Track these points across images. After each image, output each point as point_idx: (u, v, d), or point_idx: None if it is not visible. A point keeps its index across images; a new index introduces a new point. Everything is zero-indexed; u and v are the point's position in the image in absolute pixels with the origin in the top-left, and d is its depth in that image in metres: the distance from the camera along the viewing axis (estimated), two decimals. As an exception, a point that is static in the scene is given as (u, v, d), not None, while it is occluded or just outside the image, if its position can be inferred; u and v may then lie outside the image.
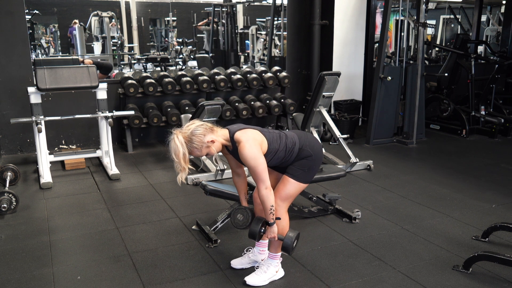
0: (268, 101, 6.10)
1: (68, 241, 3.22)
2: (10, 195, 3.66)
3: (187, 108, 5.67)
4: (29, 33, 7.62)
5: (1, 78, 5.14)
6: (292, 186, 2.56)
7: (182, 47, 10.66)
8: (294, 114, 5.69)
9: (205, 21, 10.81)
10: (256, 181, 2.44)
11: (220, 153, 4.45)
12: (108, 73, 7.45)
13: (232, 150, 2.52)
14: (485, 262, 2.76)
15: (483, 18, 9.04)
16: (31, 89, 4.37)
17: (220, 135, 2.48)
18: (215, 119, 4.70)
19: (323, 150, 5.04)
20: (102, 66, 7.36)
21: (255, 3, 11.92)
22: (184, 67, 9.70)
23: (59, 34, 11.50)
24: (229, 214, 3.31)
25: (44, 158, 4.49)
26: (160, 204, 3.90)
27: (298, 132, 2.67)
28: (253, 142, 2.41)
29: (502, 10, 9.12)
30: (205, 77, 5.79)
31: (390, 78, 5.60)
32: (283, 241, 2.53)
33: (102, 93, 4.67)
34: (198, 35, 11.46)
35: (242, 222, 2.63)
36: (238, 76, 5.99)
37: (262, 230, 2.54)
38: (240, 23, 11.45)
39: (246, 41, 10.86)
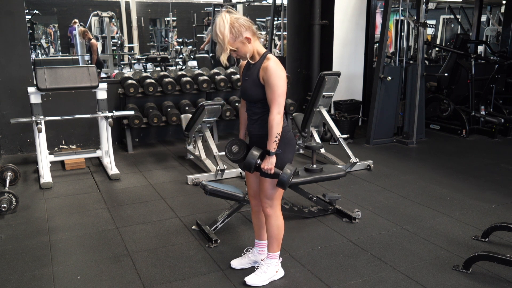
0: (268, 101, 6.09)
1: (68, 241, 3.22)
2: (10, 195, 3.66)
3: (187, 108, 5.67)
4: (29, 33, 7.62)
5: (1, 78, 5.14)
6: (271, 185, 2.49)
7: (182, 47, 10.66)
8: (294, 114, 5.69)
9: (206, 41, 10.79)
10: (271, 103, 2.35)
11: (221, 153, 4.49)
12: (100, 71, 7.58)
13: (254, 64, 2.42)
14: (485, 262, 2.76)
15: (483, 18, 9.04)
16: (31, 89, 4.37)
17: (257, 44, 2.42)
18: (215, 119, 4.71)
19: (323, 150, 5.07)
20: (99, 61, 7.50)
21: (255, 3, 11.91)
22: (184, 67, 9.70)
23: (59, 34, 11.50)
24: (229, 214, 3.31)
25: (44, 158, 4.49)
26: (160, 204, 3.90)
27: (288, 127, 2.57)
28: (282, 68, 2.38)
29: (502, 10, 9.12)
30: (205, 77, 5.79)
31: (390, 78, 5.60)
32: (280, 176, 2.41)
33: (102, 93, 4.67)
34: (198, 35, 11.46)
35: (237, 154, 2.54)
36: (238, 76, 5.99)
37: (259, 161, 2.43)
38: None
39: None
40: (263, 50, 2.44)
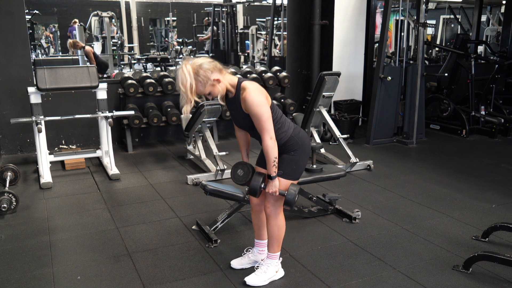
0: (268, 101, 6.10)
1: (68, 241, 3.22)
2: (10, 195, 3.66)
3: (187, 108, 5.66)
4: (29, 33, 7.61)
5: (1, 78, 5.14)
6: (282, 185, 2.53)
7: (182, 47, 10.65)
8: (294, 114, 5.69)
9: (206, 37, 10.79)
10: (260, 131, 2.37)
11: (221, 153, 4.49)
12: (104, 72, 7.43)
13: (233, 97, 2.44)
14: (485, 262, 2.76)
15: (483, 18, 9.04)
16: (31, 89, 4.37)
17: (228, 79, 2.41)
18: (215, 119, 4.71)
19: (323, 150, 5.07)
20: (99, 62, 7.35)
21: (255, 3, 11.91)
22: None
23: (59, 34, 11.50)
24: (229, 214, 3.31)
25: (44, 158, 4.49)
26: (160, 204, 3.90)
27: (296, 126, 2.62)
28: (260, 91, 2.38)
29: (502, 10, 9.12)
30: (205, 77, 5.78)
31: (390, 78, 5.60)
32: (285, 196, 2.47)
33: (102, 93, 4.67)
34: (198, 35, 11.46)
35: (242, 177, 2.57)
36: (238, 76, 5.98)
37: (263, 186, 2.49)
38: (240, 23, 11.45)
39: (246, 41, 10.85)
40: (235, 80, 2.43)
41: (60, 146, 5.57)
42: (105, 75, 7.79)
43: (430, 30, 9.95)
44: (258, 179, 2.49)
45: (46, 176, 4.38)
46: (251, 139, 2.71)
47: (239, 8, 11.53)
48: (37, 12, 10.08)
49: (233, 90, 2.42)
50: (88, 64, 8.07)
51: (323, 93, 4.87)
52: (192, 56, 2.28)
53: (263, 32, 10.56)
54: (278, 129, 2.46)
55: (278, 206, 2.58)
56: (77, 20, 9.46)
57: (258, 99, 2.33)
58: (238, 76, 2.46)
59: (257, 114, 2.33)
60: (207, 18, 10.92)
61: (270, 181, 2.45)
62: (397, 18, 7.23)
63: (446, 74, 6.54)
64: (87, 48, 7.73)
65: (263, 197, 2.62)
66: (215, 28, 10.20)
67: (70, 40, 8.35)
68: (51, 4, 11.47)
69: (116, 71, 8.16)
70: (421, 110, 5.89)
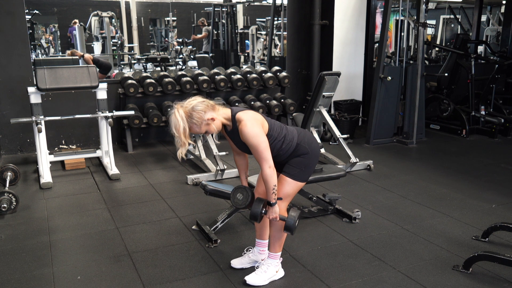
0: (268, 101, 6.10)
1: (68, 241, 3.22)
2: (10, 195, 3.66)
3: (187, 108, 5.66)
4: (29, 33, 7.61)
5: (1, 78, 5.14)
6: (289, 185, 2.56)
7: (182, 47, 10.65)
8: (294, 114, 5.70)
9: (201, 36, 10.78)
10: (259, 161, 2.40)
11: (221, 153, 4.49)
12: (108, 73, 7.42)
13: (231, 130, 2.48)
14: (485, 262, 2.76)
15: (483, 18, 9.04)
16: (31, 89, 4.37)
17: (221, 113, 2.44)
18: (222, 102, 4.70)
19: (323, 150, 5.07)
20: (101, 65, 7.32)
21: (255, 3, 11.91)
22: (184, 67, 9.69)
23: (59, 34, 11.49)
24: (229, 214, 3.31)
25: (44, 158, 4.49)
26: (160, 204, 3.90)
27: (298, 129, 2.65)
28: (255, 122, 2.39)
29: (502, 10, 9.12)
30: (205, 77, 5.80)
31: (390, 78, 5.60)
32: (286, 221, 2.48)
33: (102, 93, 4.67)
34: (197, 35, 11.44)
35: (242, 201, 2.58)
36: (238, 76, 6.00)
37: (264, 211, 2.51)
38: (240, 23, 11.45)
39: (246, 41, 10.85)
40: (229, 113, 2.46)
41: (60, 146, 5.57)
42: (106, 76, 7.79)
43: (430, 30, 9.95)
44: (258, 205, 2.51)
45: (46, 176, 4.38)
46: (250, 161, 2.73)
47: (239, 8, 11.52)
48: (37, 12, 10.08)
49: (230, 123, 2.46)
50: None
51: (323, 93, 4.87)
52: (183, 102, 2.29)
53: (263, 32, 10.56)
54: (282, 143, 2.50)
55: (283, 207, 2.59)
56: (77, 21, 9.46)
57: (253, 130, 2.36)
58: (230, 107, 2.49)
59: (253, 145, 2.37)
60: (202, 19, 10.92)
61: (270, 208, 2.48)
62: (397, 18, 7.23)
63: (446, 74, 6.54)
64: (86, 56, 7.72)
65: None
66: (215, 28, 10.20)
67: (68, 51, 8.37)
68: (51, 4, 11.46)
69: (116, 71, 8.15)
70: (421, 110, 5.89)
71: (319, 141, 5.18)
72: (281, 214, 2.58)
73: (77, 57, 7.86)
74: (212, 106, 2.41)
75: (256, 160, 2.44)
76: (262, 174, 2.42)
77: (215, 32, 10.06)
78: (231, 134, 2.52)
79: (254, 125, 2.37)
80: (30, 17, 9.44)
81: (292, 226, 2.47)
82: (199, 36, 10.73)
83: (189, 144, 2.40)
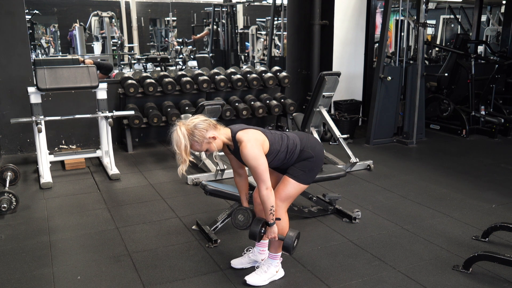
0: (268, 101, 6.10)
1: (68, 241, 3.22)
2: (10, 195, 3.66)
3: (187, 108, 5.67)
4: (29, 33, 7.61)
5: (1, 78, 5.14)
6: (292, 187, 2.57)
7: (182, 47, 10.65)
8: (294, 114, 5.69)
9: (200, 35, 10.79)
10: (257, 181, 2.44)
11: (221, 153, 4.49)
12: (109, 73, 7.42)
13: (233, 150, 2.53)
14: (485, 262, 2.76)
15: (483, 18, 9.04)
16: (31, 89, 4.37)
17: (223, 133, 2.48)
18: (215, 119, 4.70)
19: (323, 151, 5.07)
20: (102, 67, 7.33)
21: (255, 3, 11.91)
22: (184, 67, 9.69)
23: (59, 34, 11.49)
24: (229, 214, 3.31)
25: (44, 158, 4.49)
26: (160, 204, 3.90)
27: (300, 134, 2.67)
28: (255, 142, 2.42)
29: (502, 10, 9.12)
30: (205, 77, 5.79)
31: (390, 78, 5.60)
32: (284, 241, 2.52)
33: (102, 93, 4.67)
34: (198, 35, 11.44)
35: (243, 222, 2.62)
36: (238, 76, 5.99)
37: (263, 231, 2.55)
38: (240, 23, 11.45)
39: (246, 43, 10.85)
40: (229, 133, 2.49)
41: (60, 146, 5.57)
42: (107, 76, 7.79)
43: (430, 30, 9.95)
44: (257, 225, 2.53)
45: (46, 176, 4.38)
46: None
47: (239, 8, 11.51)
48: (37, 12, 10.08)
49: (231, 143, 2.49)
50: (87, 57, 8.08)
51: (323, 93, 4.87)
52: (187, 117, 2.33)
53: (263, 32, 10.56)
54: (286, 153, 2.54)
55: (284, 208, 2.60)
56: (76, 25, 9.46)
57: (252, 152, 2.39)
58: (230, 127, 2.51)
59: (252, 166, 2.40)
60: (205, 19, 10.93)
61: (268, 228, 2.51)
62: (397, 18, 7.23)
63: (446, 74, 6.54)
64: (87, 61, 7.76)
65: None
66: (215, 27, 10.19)
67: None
68: (51, 4, 11.45)
69: (116, 71, 8.15)
70: (421, 110, 5.89)
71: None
72: (282, 213, 2.59)
73: (77, 56, 7.86)
74: (214, 125, 2.44)
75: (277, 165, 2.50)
76: (259, 194, 2.46)
77: (220, 30, 10.04)
78: (235, 154, 2.55)
79: (254, 147, 2.40)
80: (30, 17, 9.44)
81: (290, 246, 2.51)
82: (199, 35, 10.73)
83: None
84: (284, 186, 2.57)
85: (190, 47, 10.75)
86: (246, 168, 2.63)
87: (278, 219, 2.55)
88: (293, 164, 2.59)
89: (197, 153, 4.84)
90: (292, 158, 2.56)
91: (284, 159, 2.56)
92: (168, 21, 11.68)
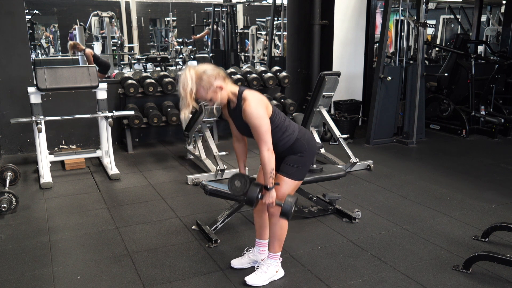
0: (268, 101, 6.10)
1: (68, 241, 3.22)
2: (10, 195, 3.66)
3: (187, 108, 5.65)
4: (29, 33, 7.61)
5: (1, 78, 5.14)
6: (287, 185, 2.55)
7: (182, 47, 10.65)
8: (294, 114, 5.69)
9: (200, 35, 10.80)
10: (258, 142, 2.39)
11: (221, 153, 4.49)
12: (107, 72, 7.42)
13: (235, 107, 2.46)
14: (485, 262, 2.76)
15: (483, 18, 9.04)
16: (31, 89, 4.37)
17: (230, 87, 2.43)
18: (215, 119, 4.71)
19: (323, 150, 5.07)
20: (101, 63, 7.34)
21: (255, 3, 11.90)
22: (184, 67, 9.68)
23: (59, 34, 11.49)
24: (229, 214, 3.31)
25: (44, 158, 4.49)
26: (160, 204, 3.90)
27: (300, 126, 2.63)
28: (260, 102, 2.39)
29: (502, 10, 9.12)
30: (205, 77, 5.78)
31: (390, 78, 5.60)
32: (282, 207, 2.46)
33: (102, 93, 4.67)
34: (198, 35, 11.44)
35: (240, 188, 2.55)
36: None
37: (260, 196, 2.49)
38: (240, 23, 11.45)
39: (246, 40, 10.85)
40: (236, 89, 2.44)
41: (60, 146, 5.57)
42: (106, 75, 7.80)
43: (430, 30, 9.94)
44: (255, 189, 2.49)
45: (46, 176, 4.38)
46: (249, 140, 2.71)
47: (239, 8, 11.51)
48: (37, 12, 10.07)
49: (235, 99, 2.44)
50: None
51: (323, 93, 4.87)
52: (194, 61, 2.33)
53: (263, 32, 10.56)
54: (283, 133, 2.49)
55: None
56: (76, 27, 9.46)
57: (257, 111, 2.35)
58: (240, 85, 2.46)
59: (255, 126, 2.36)
60: (205, 19, 10.93)
61: (267, 192, 2.47)
62: (397, 18, 7.23)
63: (446, 74, 6.54)
64: (87, 50, 7.71)
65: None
66: (215, 27, 10.19)
67: (71, 42, 8.27)
68: (51, 4, 11.45)
69: (116, 71, 8.15)
70: (421, 110, 5.89)
71: (318, 141, 5.17)
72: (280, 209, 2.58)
73: (77, 56, 7.85)
74: (223, 76, 2.39)
75: (256, 143, 2.43)
76: (260, 156, 2.41)
77: (221, 30, 10.02)
78: (233, 113, 2.49)
79: (259, 106, 2.36)
80: (30, 17, 9.44)
81: (288, 212, 2.45)
82: (198, 36, 10.73)
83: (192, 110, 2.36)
84: (279, 185, 2.55)
85: (190, 47, 10.74)
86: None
87: (277, 184, 2.50)
88: (284, 160, 2.54)
89: (197, 152, 4.84)
90: (286, 142, 2.51)
91: (279, 139, 2.49)
92: (168, 21, 11.68)
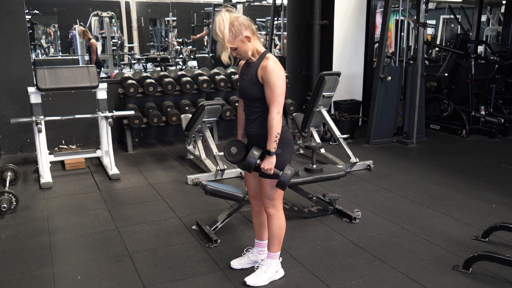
0: (268, 101, 6.09)
1: (68, 241, 3.22)
2: (10, 195, 3.66)
3: (187, 108, 5.67)
4: (29, 33, 7.62)
5: (1, 78, 5.14)
6: (271, 184, 2.48)
7: (182, 47, 10.65)
8: (294, 114, 5.69)
9: (199, 35, 10.80)
10: (270, 102, 2.35)
11: (221, 153, 4.49)
12: (99, 69, 7.53)
13: (253, 63, 2.43)
14: (485, 262, 2.76)
15: (483, 18, 9.03)
16: (31, 89, 4.37)
17: (256, 44, 2.42)
18: (215, 119, 4.71)
19: (323, 150, 5.07)
20: (98, 61, 7.48)
21: (255, 3, 11.90)
22: (184, 67, 9.69)
23: (59, 34, 11.49)
24: (229, 214, 3.31)
25: (44, 158, 4.49)
26: (160, 204, 3.90)
27: (284, 126, 2.52)
28: (281, 67, 2.39)
29: (502, 10, 9.12)
30: (205, 77, 5.79)
31: (390, 78, 5.60)
32: (279, 177, 2.40)
33: (102, 93, 4.67)
34: (197, 35, 11.44)
35: (236, 153, 2.52)
36: (238, 76, 5.99)
37: (259, 162, 2.42)
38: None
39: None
40: (262, 49, 2.45)
41: (60, 146, 5.57)
42: (104, 75, 7.84)
43: (430, 30, 9.94)
44: (255, 154, 2.41)
45: (46, 176, 4.38)
46: None
47: (239, 8, 11.50)
48: (37, 12, 10.07)
49: (257, 56, 2.43)
50: (87, 57, 8.17)
51: (323, 93, 4.87)
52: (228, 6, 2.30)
53: (263, 32, 10.56)
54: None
55: (278, 205, 2.58)
56: (76, 26, 9.48)
57: (278, 70, 2.35)
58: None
59: (273, 84, 2.33)
60: (205, 19, 10.91)
61: (267, 157, 2.40)
62: (397, 18, 7.23)
63: (446, 74, 6.54)
64: (93, 41, 7.96)
65: (261, 198, 2.62)
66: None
67: (81, 27, 8.54)
68: (51, 4, 11.45)
69: (116, 71, 8.17)
70: (421, 110, 5.89)
71: (318, 141, 5.18)
72: (278, 210, 2.56)
73: (77, 56, 7.91)
74: (253, 30, 2.39)
75: (256, 108, 2.40)
76: (268, 117, 2.36)
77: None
78: (249, 68, 2.45)
79: (280, 68, 2.37)
80: (30, 17, 9.44)
81: (286, 182, 2.39)
82: (198, 36, 10.73)
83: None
84: (266, 183, 2.50)
85: (190, 47, 10.74)
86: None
87: (279, 151, 2.42)
88: (257, 144, 2.46)
89: (197, 152, 4.84)
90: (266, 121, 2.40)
91: (263, 120, 2.44)
92: (168, 21, 11.68)
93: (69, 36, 11.00)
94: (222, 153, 4.50)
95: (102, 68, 8.36)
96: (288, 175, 2.39)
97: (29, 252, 3.04)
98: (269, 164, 2.40)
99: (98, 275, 2.76)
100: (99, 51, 9.22)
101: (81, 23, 9.45)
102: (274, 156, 2.40)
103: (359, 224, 3.46)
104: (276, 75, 2.33)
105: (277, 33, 9.34)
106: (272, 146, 2.37)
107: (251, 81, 2.43)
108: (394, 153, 5.47)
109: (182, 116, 5.06)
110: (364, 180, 4.49)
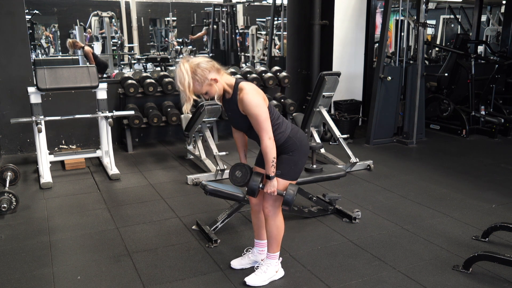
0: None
1: (68, 241, 3.22)
2: (10, 195, 3.66)
3: (187, 108, 5.66)
4: (29, 33, 7.61)
5: (1, 78, 5.14)
6: (281, 185, 2.52)
7: (182, 47, 10.65)
8: (294, 114, 5.69)
9: (198, 35, 10.81)
10: (258, 132, 2.38)
11: (221, 153, 4.49)
12: (104, 72, 7.42)
13: (230, 98, 2.44)
14: (485, 262, 2.76)
15: (483, 18, 9.03)
16: (31, 89, 4.37)
17: (225, 79, 2.41)
18: (215, 119, 4.71)
19: (323, 150, 5.07)
20: (99, 62, 7.35)
21: (255, 3, 11.91)
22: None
23: (59, 34, 11.49)
24: (229, 214, 3.31)
25: (44, 158, 4.49)
26: (160, 204, 3.90)
27: (293, 125, 2.61)
28: (257, 92, 2.38)
29: (502, 10, 9.12)
30: (205, 77, 5.78)
31: (390, 78, 5.60)
32: (284, 197, 2.46)
33: (102, 93, 4.67)
34: (196, 35, 11.44)
35: (241, 178, 2.56)
36: (238, 76, 5.98)
37: (261, 186, 2.49)
38: (240, 23, 11.45)
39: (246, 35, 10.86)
40: (232, 80, 2.43)
41: (60, 146, 5.57)
42: (104, 75, 7.79)
43: (430, 30, 9.94)
44: (256, 179, 2.49)
45: (46, 176, 4.38)
46: (248, 140, 2.71)
47: (239, 8, 11.51)
48: (37, 12, 10.07)
49: (231, 90, 2.42)
50: (87, 64, 8.07)
51: (323, 93, 4.87)
52: (191, 56, 2.34)
53: (263, 32, 10.56)
54: (275, 130, 2.46)
55: (276, 206, 2.58)
56: (77, 26, 9.47)
57: (255, 100, 2.34)
58: (236, 76, 2.46)
59: (254, 114, 2.34)
60: (205, 19, 10.92)
61: (268, 181, 2.45)
62: (397, 18, 7.23)
63: (446, 74, 6.54)
64: (87, 48, 7.70)
65: (261, 197, 2.62)
66: (215, 27, 10.19)
67: (69, 40, 8.26)
68: (51, 4, 11.45)
69: (116, 71, 8.15)
70: (421, 110, 5.89)
71: (318, 141, 5.18)
72: (277, 212, 2.57)
73: (77, 56, 7.86)
74: (217, 68, 2.38)
75: (256, 133, 2.41)
76: (261, 145, 2.40)
77: (224, 29, 10.01)
78: (229, 104, 2.47)
79: (256, 95, 2.35)
80: (30, 17, 9.44)
81: (290, 201, 2.45)
82: (196, 35, 10.73)
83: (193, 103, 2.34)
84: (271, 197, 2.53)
85: (190, 47, 10.74)
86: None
87: (279, 172, 2.48)
88: (278, 156, 2.51)
89: (197, 152, 4.84)
90: (278, 139, 2.46)
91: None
92: (168, 21, 11.68)
93: (71, 37, 11.00)
94: (222, 153, 4.53)
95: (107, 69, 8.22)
96: (292, 195, 2.46)
97: (29, 252, 3.04)
98: (271, 187, 2.46)
99: (98, 275, 2.76)
100: (99, 51, 9.22)
101: (81, 23, 9.45)
102: (275, 179, 2.45)
103: (359, 224, 3.46)
104: (254, 105, 2.33)
105: (277, 33, 9.34)
106: (271, 170, 2.42)
107: (238, 116, 2.45)
108: (394, 153, 5.47)
109: (182, 116, 5.06)
110: (364, 180, 4.49)
